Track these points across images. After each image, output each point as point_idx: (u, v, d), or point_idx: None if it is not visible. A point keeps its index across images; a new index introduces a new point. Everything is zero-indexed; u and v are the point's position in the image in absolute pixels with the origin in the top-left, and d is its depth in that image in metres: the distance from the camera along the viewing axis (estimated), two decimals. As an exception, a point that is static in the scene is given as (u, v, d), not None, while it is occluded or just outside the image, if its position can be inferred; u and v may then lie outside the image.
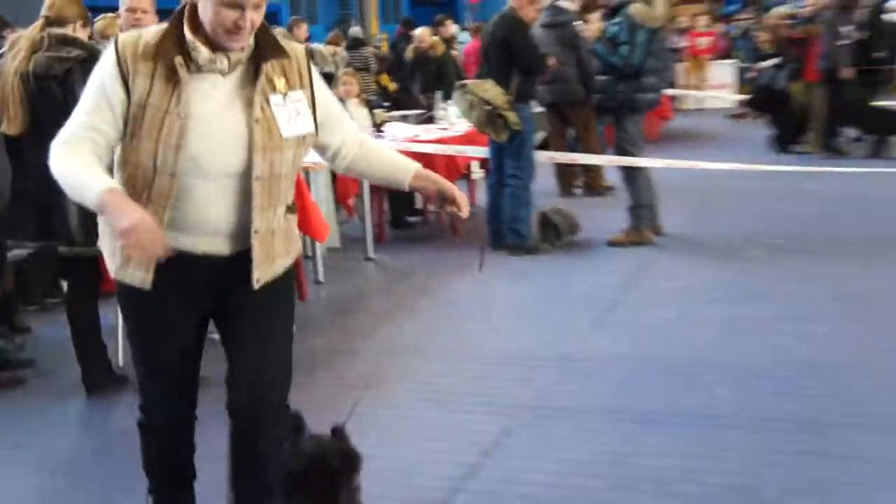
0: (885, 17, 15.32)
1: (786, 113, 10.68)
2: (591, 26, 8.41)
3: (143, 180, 2.28)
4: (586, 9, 8.96)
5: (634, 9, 6.57)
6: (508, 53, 6.60)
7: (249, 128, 2.29)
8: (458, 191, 2.52)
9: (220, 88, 2.30)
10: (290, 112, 2.33)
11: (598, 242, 6.77)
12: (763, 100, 11.15)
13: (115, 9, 6.04)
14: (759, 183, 8.28)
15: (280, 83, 2.33)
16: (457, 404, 3.95)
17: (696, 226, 7.21)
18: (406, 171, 2.55)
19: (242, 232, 2.35)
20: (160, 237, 2.16)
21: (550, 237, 6.80)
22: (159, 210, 2.27)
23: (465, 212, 2.52)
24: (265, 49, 2.33)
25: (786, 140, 10.71)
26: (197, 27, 2.27)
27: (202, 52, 2.26)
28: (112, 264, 2.41)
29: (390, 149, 2.68)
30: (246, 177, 2.30)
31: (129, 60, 2.26)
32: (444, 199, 2.52)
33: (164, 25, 2.32)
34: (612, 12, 6.86)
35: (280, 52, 2.35)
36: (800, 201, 7.82)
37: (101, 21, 6.14)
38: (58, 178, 2.23)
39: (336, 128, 2.49)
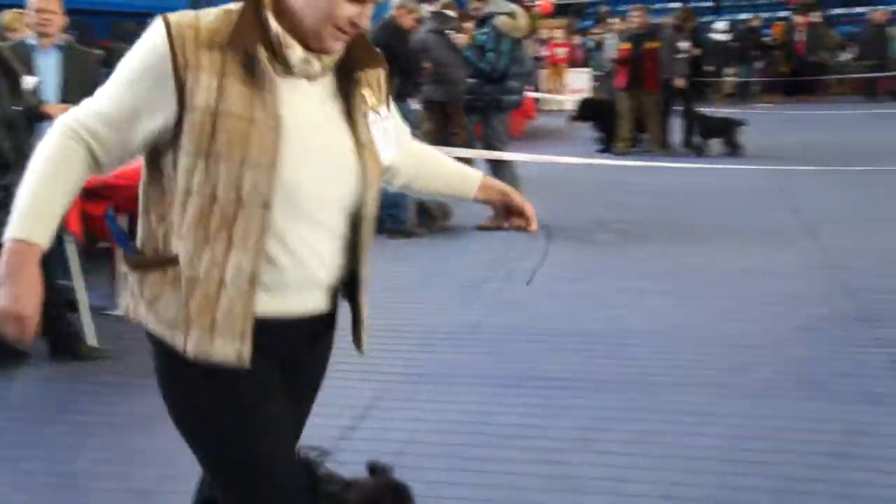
0: (714, 35, 16.04)
1: (609, 120, 10.83)
2: (463, 35, 8.42)
3: (220, 216, 1.51)
4: (462, 18, 8.95)
5: (500, 20, 6.61)
6: (389, 57, 6.51)
7: (357, 152, 1.61)
8: (527, 203, 1.90)
9: (309, 98, 1.58)
10: (383, 131, 1.68)
11: (468, 227, 6.79)
12: (586, 111, 11.17)
13: (19, 5, 5.68)
14: (609, 176, 8.48)
15: (369, 96, 1.66)
16: (335, 373, 3.85)
17: (554, 213, 7.26)
18: (471, 183, 1.92)
19: (336, 284, 1.69)
20: (31, 331, 1.48)
21: (426, 222, 6.78)
22: (249, 256, 1.51)
23: (533, 227, 1.91)
24: (359, 54, 1.63)
25: (606, 142, 10.93)
26: (281, 15, 1.55)
27: (296, 50, 1.53)
28: (182, 338, 1.55)
29: (448, 157, 1.99)
30: (348, 212, 1.62)
31: (190, 49, 1.49)
32: (511, 211, 1.92)
33: (231, 7, 1.55)
34: (480, 22, 6.89)
35: (376, 59, 1.67)
36: (641, 192, 8.03)
37: (7, 15, 5.72)
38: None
39: (402, 144, 1.84)
